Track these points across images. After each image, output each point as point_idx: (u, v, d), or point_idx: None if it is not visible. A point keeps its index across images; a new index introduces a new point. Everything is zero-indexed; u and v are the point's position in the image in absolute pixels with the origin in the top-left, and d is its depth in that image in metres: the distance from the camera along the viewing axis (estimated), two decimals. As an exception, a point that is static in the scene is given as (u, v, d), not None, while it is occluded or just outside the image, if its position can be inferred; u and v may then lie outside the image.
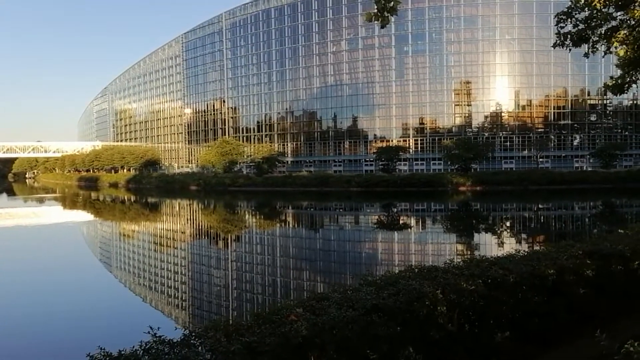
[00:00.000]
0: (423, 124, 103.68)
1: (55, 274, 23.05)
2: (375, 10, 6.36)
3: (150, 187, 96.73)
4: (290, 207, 60.43)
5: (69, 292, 19.62)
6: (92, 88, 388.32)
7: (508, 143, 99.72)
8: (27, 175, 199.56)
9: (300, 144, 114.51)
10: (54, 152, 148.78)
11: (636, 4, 11.62)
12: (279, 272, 24.00)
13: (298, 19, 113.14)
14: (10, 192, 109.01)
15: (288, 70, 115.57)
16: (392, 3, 6.10)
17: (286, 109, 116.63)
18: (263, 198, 70.58)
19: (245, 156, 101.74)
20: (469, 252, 26.13)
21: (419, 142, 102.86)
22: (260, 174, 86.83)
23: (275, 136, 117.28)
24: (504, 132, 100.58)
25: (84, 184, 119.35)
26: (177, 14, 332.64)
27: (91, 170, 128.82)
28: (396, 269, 22.15)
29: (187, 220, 49.87)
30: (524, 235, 33.86)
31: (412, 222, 43.93)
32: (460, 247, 29.43)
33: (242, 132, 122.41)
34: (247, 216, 53.08)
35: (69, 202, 78.03)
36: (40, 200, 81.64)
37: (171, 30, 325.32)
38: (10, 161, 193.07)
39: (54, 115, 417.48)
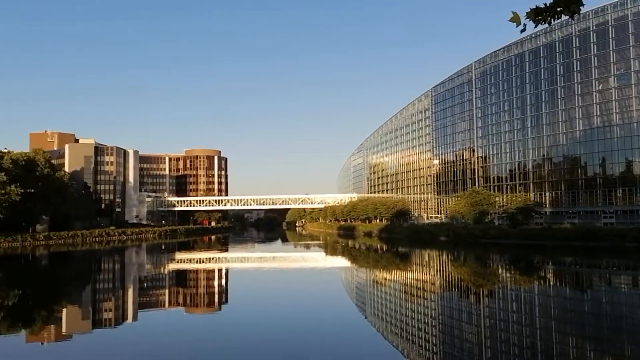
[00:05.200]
0: None
1: (315, 311, 25.37)
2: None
3: (400, 236, 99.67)
4: (550, 263, 54.39)
5: (324, 328, 21.19)
6: (350, 145, 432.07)
7: None
8: (297, 224, 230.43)
9: (561, 193, 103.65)
10: (319, 203, 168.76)
11: None
12: (538, 334, 21.44)
13: (556, 59, 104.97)
14: (284, 239, 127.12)
15: (544, 114, 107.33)
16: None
17: (543, 155, 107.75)
18: (517, 251, 65.48)
19: (496, 207, 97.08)
20: None
21: None
22: (514, 225, 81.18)
23: (531, 185, 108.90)
24: None
25: (342, 232, 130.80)
26: (426, 70, 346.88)
27: (348, 220, 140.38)
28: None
29: (437, 271, 49.28)
30: None
31: None
32: None
33: (493, 182, 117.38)
34: (500, 270, 49.70)
35: (330, 249, 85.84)
36: (307, 247, 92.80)
37: (420, 85, 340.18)
38: (283, 211, 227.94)
39: (318, 170, 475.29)
